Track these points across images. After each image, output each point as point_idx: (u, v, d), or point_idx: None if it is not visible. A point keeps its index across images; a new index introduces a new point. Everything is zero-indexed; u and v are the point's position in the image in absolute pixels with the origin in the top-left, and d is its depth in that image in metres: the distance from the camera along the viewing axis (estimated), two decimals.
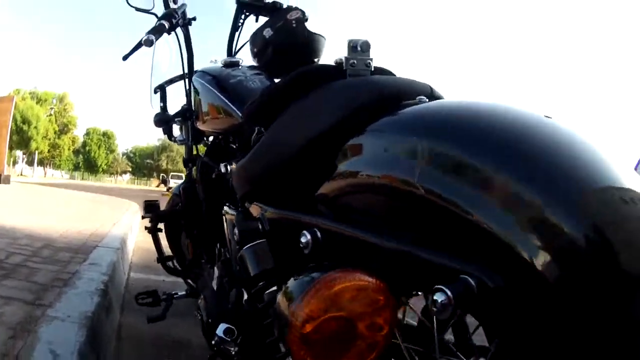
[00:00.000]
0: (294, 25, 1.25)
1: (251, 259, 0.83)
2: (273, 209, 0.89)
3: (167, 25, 1.41)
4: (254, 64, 1.38)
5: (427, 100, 0.72)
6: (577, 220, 0.43)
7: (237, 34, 1.62)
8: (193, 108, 1.57)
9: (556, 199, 0.44)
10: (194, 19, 1.62)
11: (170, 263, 2.20)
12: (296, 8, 1.31)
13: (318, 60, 1.33)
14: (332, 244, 0.69)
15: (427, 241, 0.56)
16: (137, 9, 1.61)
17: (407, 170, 0.57)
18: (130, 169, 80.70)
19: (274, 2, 1.50)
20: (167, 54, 1.76)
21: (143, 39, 1.37)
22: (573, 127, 0.56)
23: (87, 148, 63.41)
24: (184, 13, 1.57)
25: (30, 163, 58.57)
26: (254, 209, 0.98)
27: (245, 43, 1.56)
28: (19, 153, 52.17)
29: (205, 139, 1.75)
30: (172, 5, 1.52)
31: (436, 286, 0.48)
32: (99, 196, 13.52)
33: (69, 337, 1.42)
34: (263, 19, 1.51)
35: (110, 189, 27.12)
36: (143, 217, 2.09)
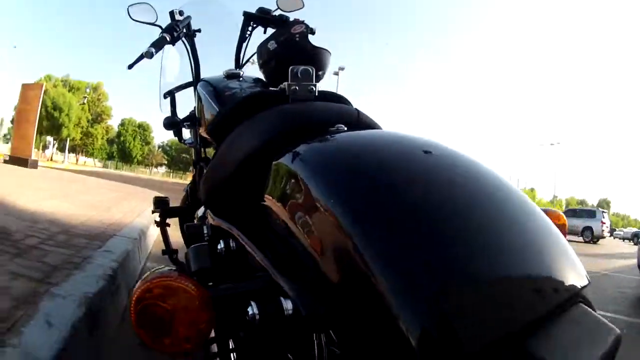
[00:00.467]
0: (298, 39, 1.53)
1: (192, 258, 1.06)
2: (214, 216, 1.16)
3: (168, 38, 1.74)
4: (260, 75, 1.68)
5: (344, 128, 0.92)
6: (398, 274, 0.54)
7: (244, 44, 1.95)
8: (197, 115, 1.88)
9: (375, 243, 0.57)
10: (199, 30, 1.96)
11: (176, 256, 2.56)
12: (301, 22, 1.59)
13: (322, 74, 1.58)
14: (240, 252, 0.95)
15: (285, 260, 0.76)
16: (141, 22, 1.95)
17: (283, 196, 0.79)
18: (165, 162, 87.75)
19: (280, 15, 1.82)
20: (178, 61, 2.11)
21: (144, 51, 1.67)
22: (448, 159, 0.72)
23: (122, 138, 70.00)
24: (188, 25, 1.91)
25: (61, 149, 65.26)
26: (208, 215, 1.25)
27: (253, 54, 1.87)
28: (49, 139, 58.49)
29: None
30: (177, 17, 1.86)
31: (251, 300, 0.66)
32: (129, 186, 14.62)
33: (66, 312, 1.75)
34: (271, 31, 1.82)
35: (142, 180, 29.28)
36: (153, 212, 2.54)
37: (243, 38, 1.96)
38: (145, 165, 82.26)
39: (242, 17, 1.93)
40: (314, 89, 1.13)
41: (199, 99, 1.76)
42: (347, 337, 0.63)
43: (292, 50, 1.54)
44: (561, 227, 1.60)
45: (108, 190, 11.33)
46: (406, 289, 0.52)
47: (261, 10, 1.91)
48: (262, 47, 1.62)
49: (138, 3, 2.01)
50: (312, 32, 1.61)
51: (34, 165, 16.29)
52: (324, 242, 0.64)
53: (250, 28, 1.94)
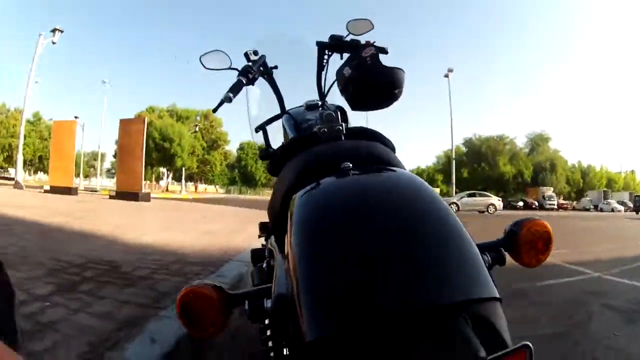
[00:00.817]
0: (369, 61, 1.81)
1: (255, 275, 1.52)
2: (272, 241, 1.55)
3: (244, 80, 2.01)
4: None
5: (349, 166, 1.17)
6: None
7: (323, 73, 2.19)
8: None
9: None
10: (276, 67, 2.24)
11: None
12: (371, 45, 1.88)
13: (399, 91, 1.83)
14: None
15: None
16: (216, 70, 2.26)
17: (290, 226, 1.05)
18: None
19: (351, 40, 2.07)
20: (264, 95, 2.34)
21: (224, 96, 1.95)
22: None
23: (243, 162, 73.84)
24: (264, 64, 2.18)
25: (177, 179, 71.64)
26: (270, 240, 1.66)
27: (334, 82, 2.09)
28: (163, 170, 64.41)
29: None
30: (251, 58, 2.15)
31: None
32: (251, 211, 15.56)
33: (171, 330, 2.10)
34: (346, 55, 2.08)
35: (266, 202, 30.94)
36: (259, 237, 2.75)
37: (321, 67, 2.20)
38: (270, 187, 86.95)
39: (317, 48, 2.18)
40: (341, 128, 1.42)
41: (284, 131, 2.05)
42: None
43: (365, 74, 1.80)
44: (544, 235, 1.50)
45: (227, 216, 12.22)
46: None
47: (333, 37, 2.14)
48: (338, 74, 1.89)
49: (209, 52, 2.27)
50: (384, 52, 1.88)
51: (146, 198, 17.96)
52: (291, 268, 0.94)
53: (325, 56, 2.19)
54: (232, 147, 76.63)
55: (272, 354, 1.12)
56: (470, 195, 36.42)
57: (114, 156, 62.38)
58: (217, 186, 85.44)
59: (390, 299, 0.77)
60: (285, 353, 1.07)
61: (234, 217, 11.50)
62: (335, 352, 0.76)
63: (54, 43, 26.04)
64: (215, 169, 72.68)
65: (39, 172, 71.49)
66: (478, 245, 0.96)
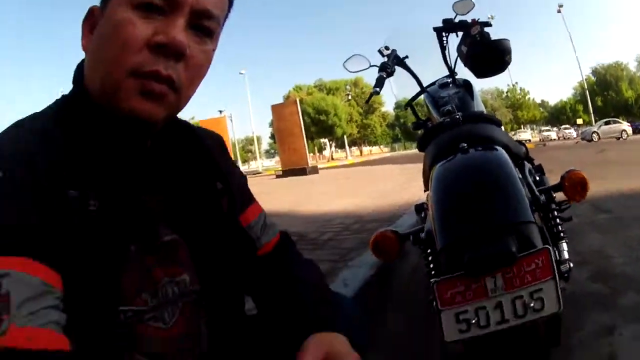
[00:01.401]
0: (478, 38, 2.33)
1: (419, 221, 2.20)
2: (427, 194, 2.01)
3: (385, 75, 2.44)
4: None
5: (465, 147, 1.63)
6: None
7: (446, 53, 2.59)
8: (429, 120, 2.59)
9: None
10: (407, 57, 2.62)
11: None
12: (477, 22, 2.37)
13: (509, 58, 2.37)
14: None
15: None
16: (359, 71, 2.73)
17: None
18: None
19: (459, 20, 2.48)
20: (404, 80, 2.73)
21: (372, 91, 2.45)
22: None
23: (402, 120, 73.52)
24: (396, 57, 2.56)
25: (340, 146, 74.11)
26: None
27: (457, 58, 2.55)
28: (324, 140, 66.94)
29: None
30: (384, 52, 2.56)
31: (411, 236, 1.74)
32: (415, 166, 15.85)
33: (359, 275, 2.55)
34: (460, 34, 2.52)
35: None
36: (424, 192, 3.11)
37: (442, 48, 2.59)
38: None
39: (435, 33, 2.59)
40: (458, 117, 1.88)
41: (427, 107, 2.51)
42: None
43: (478, 48, 2.35)
44: (581, 183, 1.59)
45: (395, 174, 12.61)
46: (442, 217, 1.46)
47: (445, 21, 2.55)
48: (458, 51, 2.49)
49: (350, 57, 2.73)
50: (489, 25, 2.39)
51: (314, 171, 18.79)
52: (430, 213, 1.56)
53: (444, 38, 2.59)
54: (389, 107, 76.85)
55: (426, 264, 1.57)
56: (606, 123, 37.57)
57: (271, 137, 66.32)
58: (382, 146, 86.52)
59: (474, 224, 1.36)
60: (430, 261, 1.55)
61: (400, 175, 11.83)
62: (452, 253, 1.36)
63: None
64: (376, 130, 73.56)
65: None
66: (539, 189, 1.64)
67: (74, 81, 0.86)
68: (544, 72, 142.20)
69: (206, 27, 0.83)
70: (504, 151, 1.61)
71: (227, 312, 1.00)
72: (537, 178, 1.91)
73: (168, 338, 0.86)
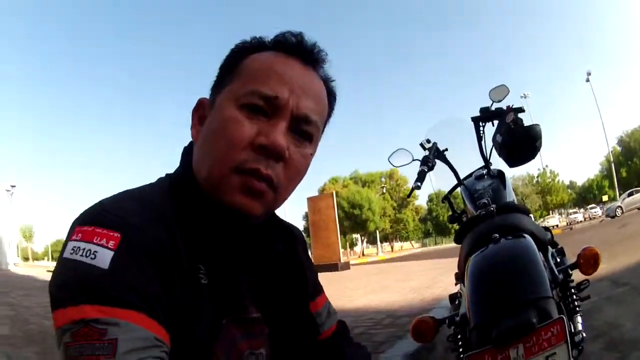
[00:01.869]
0: (512, 126, 2.46)
1: (452, 308, 2.19)
2: (461, 284, 2.14)
3: (426, 169, 2.55)
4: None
5: (497, 237, 1.79)
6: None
7: (482, 143, 2.73)
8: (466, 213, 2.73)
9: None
10: (446, 149, 2.72)
11: None
12: (511, 110, 2.52)
13: (539, 143, 2.50)
14: None
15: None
16: (402, 166, 2.82)
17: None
18: None
19: (496, 108, 2.63)
20: (443, 173, 2.81)
21: (413, 185, 2.53)
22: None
23: (434, 213, 72.09)
24: (436, 150, 2.68)
25: (371, 241, 72.64)
26: None
27: (492, 148, 2.68)
28: (356, 236, 65.96)
29: None
30: (426, 146, 2.69)
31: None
32: (446, 261, 15.74)
33: None
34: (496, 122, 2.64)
35: None
36: (455, 284, 3.28)
37: (479, 137, 2.72)
38: None
39: (472, 122, 2.72)
40: (492, 209, 2.03)
41: (463, 201, 2.59)
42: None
43: (512, 137, 2.47)
44: (594, 257, 1.72)
45: (426, 269, 12.64)
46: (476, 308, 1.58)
47: (482, 110, 2.70)
48: (493, 141, 2.61)
49: (395, 152, 2.82)
50: (522, 111, 2.54)
51: (345, 267, 18.66)
52: (465, 299, 1.69)
53: (481, 128, 2.72)
54: (422, 201, 76.17)
55: (459, 343, 1.71)
56: (629, 195, 35.82)
57: (304, 230, 64.05)
58: (412, 241, 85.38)
59: (501, 303, 1.50)
60: (459, 341, 1.70)
61: (431, 270, 11.85)
62: (482, 330, 1.48)
63: None
64: (408, 225, 72.36)
65: None
66: (558, 269, 1.78)
67: (182, 163, 0.95)
68: (572, 149, 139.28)
69: (305, 132, 0.90)
70: (530, 239, 1.78)
71: None
72: (559, 260, 2.04)
73: None
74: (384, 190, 65.54)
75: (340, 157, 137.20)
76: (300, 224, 70.51)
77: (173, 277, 0.78)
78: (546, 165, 66.88)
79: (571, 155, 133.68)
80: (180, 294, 0.79)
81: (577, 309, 1.65)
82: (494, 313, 1.51)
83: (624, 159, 60.44)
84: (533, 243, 1.76)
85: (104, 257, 0.72)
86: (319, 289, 1.24)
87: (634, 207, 32.87)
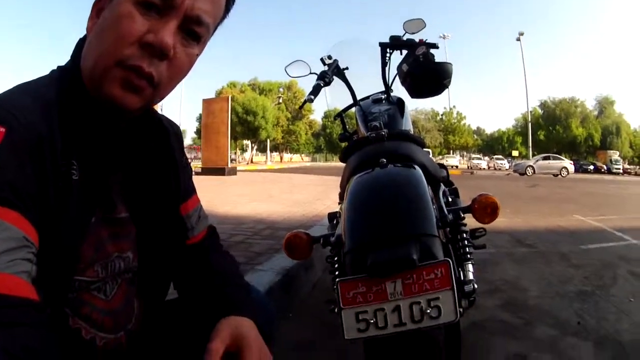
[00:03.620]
0: (421, 59, 2.42)
1: (329, 228, 2.20)
2: (342, 204, 2.06)
3: (322, 84, 2.53)
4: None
5: (384, 162, 1.73)
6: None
7: (386, 69, 2.66)
8: (357, 133, 2.67)
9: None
10: (347, 68, 2.69)
11: None
12: (423, 43, 2.46)
13: (448, 81, 2.48)
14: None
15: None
16: (298, 77, 2.80)
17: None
18: None
19: (407, 39, 2.57)
20: (339, 88, 2.79)
21: (306, 97, 2.52)
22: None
23: (328, 130, 73.27)
24: (337, 67, 2.65)
25: (262, 150, 73.39)
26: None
27: (395, 75, 2.64)
28: (247, 142, 65.90)
29: None
30: (326, 62, 2.65)
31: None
32: (333, 179, 16.18)
33: (265, 280, 2.70)
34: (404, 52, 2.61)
35: None
36: (338, 203, 3.26)
37: (384, 64, 2.67)
38: None
39: (379, 47, 2.66)
40: (383, 134, 1.96)
41: (356, 121, 2.56)
42: None
43: (419, 69, 2.45)
44: (492, 206, 1.88)
45: (312, 185, 12.84)
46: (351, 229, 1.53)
47: (392, 38, 2.63)
48: (398, 69, 2.58)
49: (292, 62, 2.81)
50: (435, 47, 2.49)
51: (232, 172, 18.74)
52: (342, 220, 1.63)
53: (388, 54, 2.66)
54: (317, 116, 76.64)
55: (332, 266, 1.65)
56: (544, 159, 38.23)
57: (196, 132, 64.47)
58: (303, 155, 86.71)
59: (380, 231, 1.45)
60: (335, 264, 1.63)
61: (317, 186, 12.07)
62: (355, 255, 1.42)
63: None
64: (300, 138, 73.05)
65: None
66: (448, 209, 1.71)
67: (72, 56, 0.93)
68: (488, 99, 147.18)
69: (195, 33, 0.90)
70: (420, 171, 1.71)
71: (156, 293, 1.11)
72: (450, 199, 2.04)
73: (106, 310, 0.95)
74: (281, 101, 65.13)
75: (241, 63, 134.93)
76: (193, 126, 69.45)
77: (47, 173, 0.79)
78: (454, 106, 68.86)
79: (484, 105, 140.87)
80: (52, 191, 0.80)
81: (469, 256, 1.60)
82: (370, 240, 1.44)
83: (544, 123, 63.63)
84: (422, 175, 1.68)
85: None
86: (191, 191, 1.21)
87: (549, 172, 34.85)
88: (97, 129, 0.89)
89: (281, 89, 69.96)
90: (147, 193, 1.03)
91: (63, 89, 0.88)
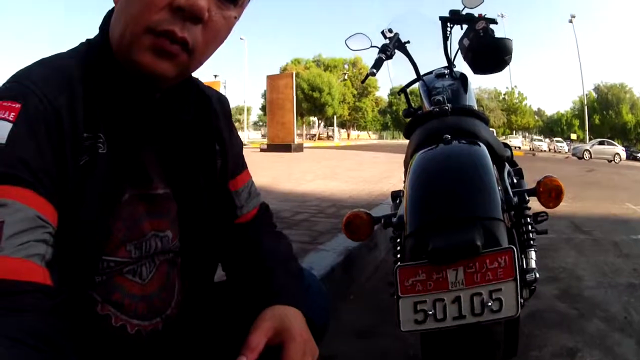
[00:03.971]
0: (482, 34, 2.33)
1: (393, 207, 2.16)
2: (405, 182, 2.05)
3: (384, 57, 2.48)
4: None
5: (449, 138, 1.66)
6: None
7: (448, 43, 2.59)
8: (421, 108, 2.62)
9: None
10: (408, 42, 2.60)
11: None
12: (483, 18, 2.36)
13: (509, 58, 2.37)
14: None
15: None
16: (359, 50, 2.73)
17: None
18: None
19: (466, 13, 2.49)
20: (402, 66, 2.71)
21: (369, 71, 2.51)
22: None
23: (394, 107, 72.62)
24: (398, 40, 2.57)
25: (329, 127, 73.95)
26: None
27: (457, 50, 2.56)
28: (313, 119, 66.55)
29: None
30: (387, 35, 2.57)
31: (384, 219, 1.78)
32: (400, 156, 16.06)
33: (327, 261, 2.62)
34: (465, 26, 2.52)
35: None
36: (403, 181, 3.16)
37: (445, 38, 2.59)
38: None
39: (440, 22, 2.58)
40: (447, 108, 1.90)
41: (420, 96, 2.52)
42: None
43: (479, 44, 2.35)
44: (556, 189, 1.61)
45: (379, 162, 12.72)
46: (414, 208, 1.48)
47: (452, 12, 2.56)
48: (460, 44, 2.49)
49: (352, 35, 2.75)
50: (494, 22, 2.39)
51: (299, 149, 18.79)
52: (404, 199, 1.58)
53: (448, 29, 2.59)
54: (383, 93, 76.06)
55: (394, 248, 1.60)
56: (600, 143, 37.62)
57: (261, 109, 65.14)
58: (370, 132, 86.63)
59: (442, 212, 1.40)
60: (397, 246, 1.58)
61: (384, 164, 11.90)
62: (416, 239, 1.38)
63: None
64: (367, 115, 72.98)
65: None
66: (513, 192, 1.62)
67: (101, 29, 0.89)
68: (546, 81, 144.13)
69: None
70: (485, 148, 1.63)
71: (201, 275, 1.05)
72: (515, 181, 1.93)
73: (141, 295, 0.90)
74: (346, 77, 65.09)
75: (304, 39, 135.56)
76: (259, 102, 70.60)
77: (66, 147, 0.76)
78: (515, 86, 67.52)
79: (544, 85, 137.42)
80: (72, 165, 0.76)
81: (532, 242, 1.51)
82: (432, 222, 1.39)
83: (599, 107, 62.12)
84: (487, 153, 1.59)
85: (2, 130, 0.70)
86: (241, 165, 1.16)
87: (603, 157, 34.07)
88: (127, 100, 0.85)
89: (346, 65, 69.94)
90: (189, 168, 0.98)
91: (90, 60, 0.85)
